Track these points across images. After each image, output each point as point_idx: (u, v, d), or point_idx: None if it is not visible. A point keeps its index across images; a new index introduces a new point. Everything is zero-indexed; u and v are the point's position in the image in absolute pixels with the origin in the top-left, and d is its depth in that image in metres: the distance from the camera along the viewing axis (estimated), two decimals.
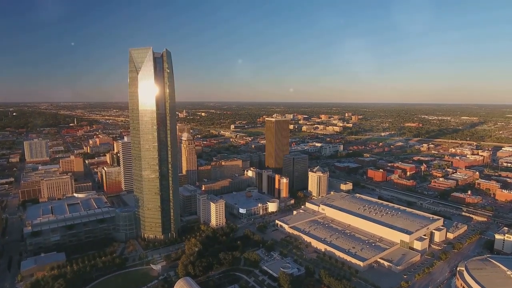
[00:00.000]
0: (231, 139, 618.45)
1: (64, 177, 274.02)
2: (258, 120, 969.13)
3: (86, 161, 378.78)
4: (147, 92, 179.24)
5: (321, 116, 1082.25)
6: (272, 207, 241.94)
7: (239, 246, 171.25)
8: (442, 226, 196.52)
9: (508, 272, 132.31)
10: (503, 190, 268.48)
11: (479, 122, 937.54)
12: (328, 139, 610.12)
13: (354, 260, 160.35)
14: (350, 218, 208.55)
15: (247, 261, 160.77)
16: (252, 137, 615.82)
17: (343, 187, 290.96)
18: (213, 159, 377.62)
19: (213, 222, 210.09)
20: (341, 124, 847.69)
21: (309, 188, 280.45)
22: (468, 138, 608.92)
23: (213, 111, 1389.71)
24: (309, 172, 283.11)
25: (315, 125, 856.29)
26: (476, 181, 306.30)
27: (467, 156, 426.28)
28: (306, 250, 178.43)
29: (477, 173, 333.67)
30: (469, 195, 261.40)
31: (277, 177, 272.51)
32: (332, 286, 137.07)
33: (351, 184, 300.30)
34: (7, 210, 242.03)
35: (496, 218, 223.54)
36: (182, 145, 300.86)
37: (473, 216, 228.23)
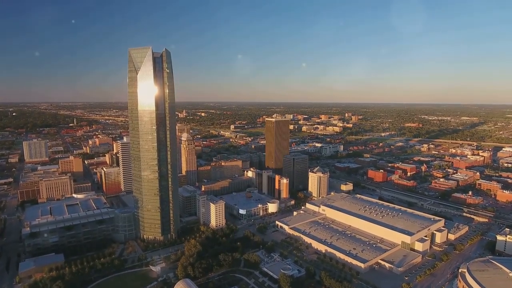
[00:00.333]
0: (231, 140, 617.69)
1: (63, 177, 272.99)
2: (258, 120, 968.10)
3: (86, 162, 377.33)
4: (147, 92, 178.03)
5: (321, 116, 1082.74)
6: (272, 207, 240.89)
7: (239, 247, 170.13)
8: (443, 227, 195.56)
9: (511, 274, 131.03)
10: (504, 191, 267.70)
11: (479, 122, 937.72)
12: (328, 139, 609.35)
13: (355, 262, 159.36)
14: (350, 219, 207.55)
15: (247, 262, 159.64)
16: (252, 138, 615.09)
17: (343, 187, 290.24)
18: (213, 160, 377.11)
19: (213, 223, 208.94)
20: (341, 125, 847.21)
21: (309, 189, 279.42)
22: (468, 139, 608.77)
23: (213, 111, 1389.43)
24: (309, 173, 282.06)
25: (315, 126, 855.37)
26: (476, 182, 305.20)
27: (468, 156, 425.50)
28: (307, 251, 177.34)
29: (478, 173, 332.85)
30: (470, 195, 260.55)
31: (277, 177, 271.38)
32: None
33: (352, 184, 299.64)
34: (6, 210, 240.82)
35: (497, 219, 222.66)
36: (181, 145, 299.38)
37: (474, 217, 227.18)
